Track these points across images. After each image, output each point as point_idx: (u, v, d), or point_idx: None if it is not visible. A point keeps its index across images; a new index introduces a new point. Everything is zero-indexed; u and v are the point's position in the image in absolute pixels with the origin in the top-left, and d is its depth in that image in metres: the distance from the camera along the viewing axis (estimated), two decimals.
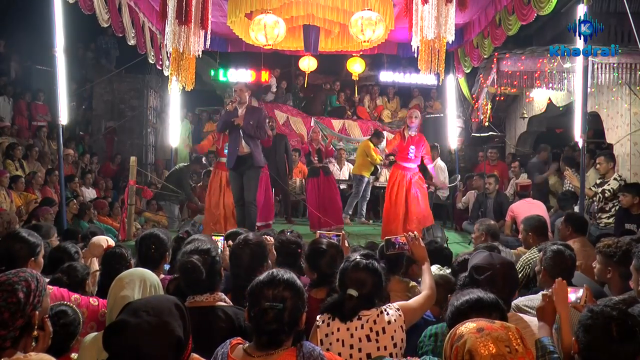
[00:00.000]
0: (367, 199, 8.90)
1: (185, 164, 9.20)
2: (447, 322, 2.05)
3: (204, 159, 10.09)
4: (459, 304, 1.97)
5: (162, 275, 2.76)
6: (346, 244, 3.33)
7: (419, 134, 6.89)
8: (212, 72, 10.89)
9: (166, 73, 7.59)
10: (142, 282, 2.29)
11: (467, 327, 1.51)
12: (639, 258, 2.68)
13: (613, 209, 5.78)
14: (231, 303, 2.53)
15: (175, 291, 2.63)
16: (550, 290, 2.23)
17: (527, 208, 5.82)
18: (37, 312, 1.75)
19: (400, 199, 6.60)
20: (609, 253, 2.99)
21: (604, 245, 3.05)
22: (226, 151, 6.29)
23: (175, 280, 2.78)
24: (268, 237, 3.52)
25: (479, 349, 1.44)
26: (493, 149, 9.73)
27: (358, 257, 2.42)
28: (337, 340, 2.30)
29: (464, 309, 1.94)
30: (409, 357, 2.09)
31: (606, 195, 5.82)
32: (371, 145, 8.50)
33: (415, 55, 5.56)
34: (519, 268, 3.65)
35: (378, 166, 10.05)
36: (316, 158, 7.78)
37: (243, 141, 5.94)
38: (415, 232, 3.00)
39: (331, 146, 10.51)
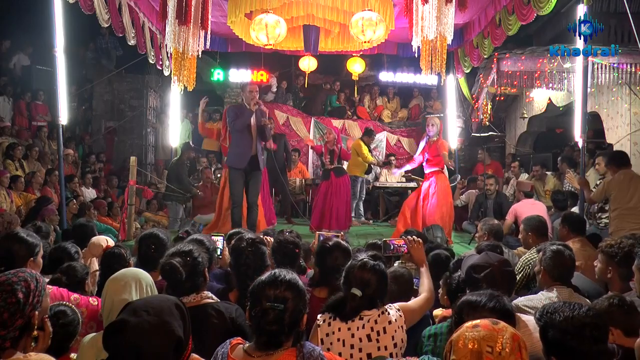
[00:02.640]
0: (362, 199, 8.88)
1: (177, 158, 9.18)
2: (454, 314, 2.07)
3: (191, 142, 10.07)
4: (460, 302, 2.00)
5: (160, 277, 2.75)
6: None
7: (438, 139, 6.71)
8: (212, 73, 10.89)
9: (166, 73, 7.60)
10: (137, 283, 2.28)
11: (472, 322, 1.53)
12: None
13: None
14: (218, 300, 2.54)
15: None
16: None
17: (530, 208, 5.82)
18: (36, 313, 1.75)
19: (417, 204, 6.62)
20: (610, 253, 3.00)
21: (606, 245, 3.06)
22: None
23: None
24: (268, 238, 3.53)
25: (459, 341, 1.46)
26: (485, 150, 9.74)
27: (365, 257, 2.42)
28: (338, 340, 2.30)
29: (460, 308, 1.97)
30: (407, 358, 2.09)
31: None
32: (362, 144, 8.41)
33: (416, 55, 5.56)
34: (519, 268, 3.65)
35: (375, 165, 10.06)
36: (328, 159, 7.63)
37: (256, 142, 5.99)
38: (414, 236, 3.01)
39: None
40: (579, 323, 1.77)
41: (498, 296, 2.01)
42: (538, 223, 4.41)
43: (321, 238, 3.46)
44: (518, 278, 3.58)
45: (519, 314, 2.39)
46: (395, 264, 3.41)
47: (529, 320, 2.29)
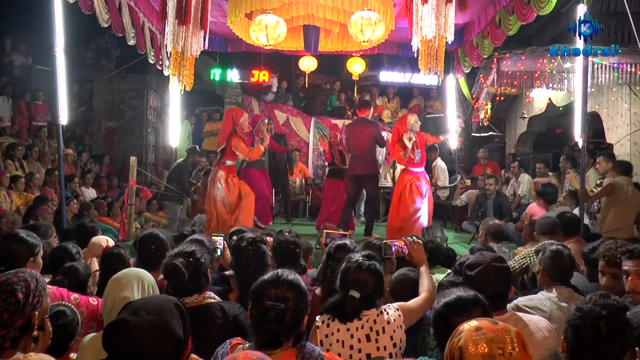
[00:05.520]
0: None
1: (182, 159, 9.18)
2: (432, 325, 2.04)
3: (197, 147, 10.07)
4: (440, 307, 1.96)
5: (161, 276, 2.76)
6: None
7: (418, 134, 6.77)
8: (212, 73, 10.89)
9: (166, 73, 7.60)
10: (139, 282, 2.29)
11: (469, 324, 1.52)
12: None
13: None
14: (220, 299, 2.53)
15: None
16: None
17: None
18: (36, 313, 1.75)
19: (406, 202, 6.55)
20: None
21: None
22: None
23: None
24: (268, 238, 3.53)
25: (469, 347, 1.45)
26: (483, 149, 9.75)
27: (360, 258, 2.42)
28: (337, 340, 2.30)
29: (444, 312, 1.93)
30: (405, 359, 2.09)
31: None
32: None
33: (415, 55, 5.56)
34: (516, 259, 3.80)
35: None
36: (339, 160, 7.57)
37: None
38: (414, 237, 3.00)
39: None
40: (597, 313, 1.78)
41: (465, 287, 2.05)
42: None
43: (328, 239, 3.46)
44: (514, 265, 3.73)
45: (519, 314, 2.39)
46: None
47: (531, 320, 2.29)
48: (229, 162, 6.42)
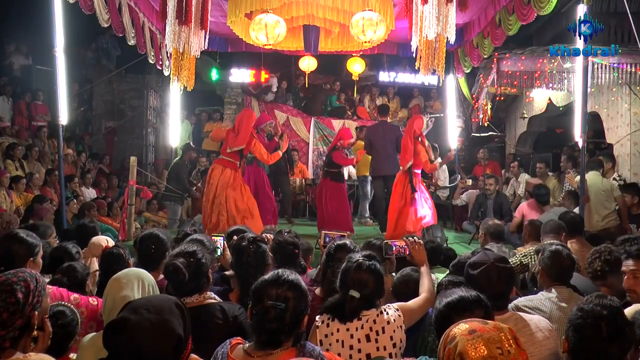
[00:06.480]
0: (370, 199, 8.84)
1: (179, 158, 9.18)
2: (433, 325, 2.04)
3: (191, 143, 10.05)
4: (442, 306, 1.96)
5: (161, 276, 2.75)
6: None
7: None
8: (212, 72, 10.89)
9: (166, 73, 7.60)
10: (139, 281, 2.29)
11: (460, 328, 1.51)
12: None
13: None
14: (220, 300, 2.54)
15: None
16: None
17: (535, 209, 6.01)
18: (36, 313, 1.75)
19: (420, 205, 6.58)
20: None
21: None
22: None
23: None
24: (269, 236, 3.54)
25: (469, 351, 1.43)
26: (484, 149, 9.73)
27: (360, 258, 2.42)
28: (337, 340, 2.30)
29: (446, 312, 1.93)
30: (405, 359, 2.09)
31: None
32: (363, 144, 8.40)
33: (414, 55, 5.56)
34: (517, 256, 3.85)
35: None
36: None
37: None
38: (415, 237, 3.00)
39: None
40: (598, 313, 1.79)
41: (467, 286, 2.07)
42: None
43: (327, 239, 3.46)
44: (515, 261, 3.78)
45: (520, 313, 2.39)
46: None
47: (531, 320, 2.29)
48: (239, 164, 6.51)
